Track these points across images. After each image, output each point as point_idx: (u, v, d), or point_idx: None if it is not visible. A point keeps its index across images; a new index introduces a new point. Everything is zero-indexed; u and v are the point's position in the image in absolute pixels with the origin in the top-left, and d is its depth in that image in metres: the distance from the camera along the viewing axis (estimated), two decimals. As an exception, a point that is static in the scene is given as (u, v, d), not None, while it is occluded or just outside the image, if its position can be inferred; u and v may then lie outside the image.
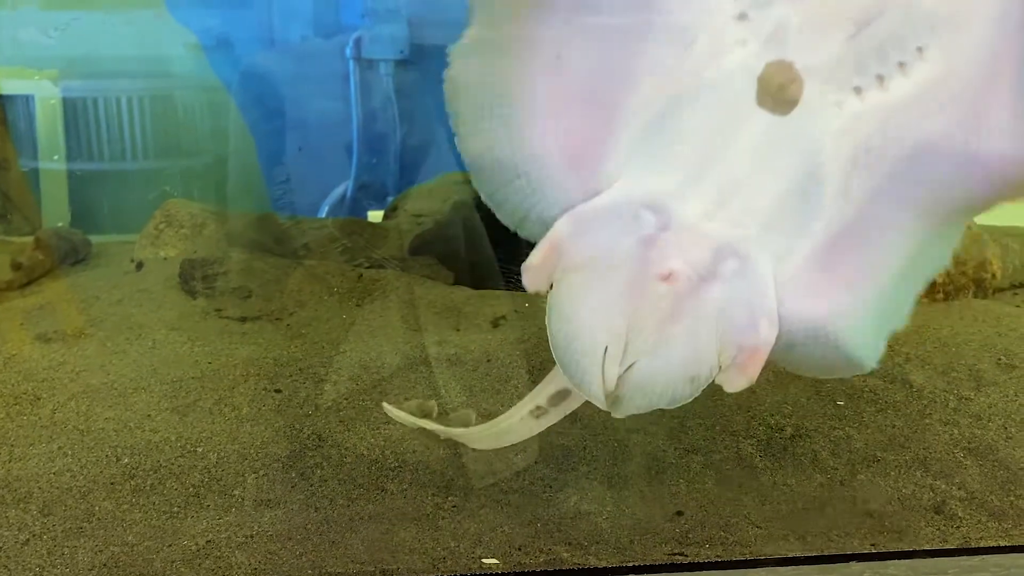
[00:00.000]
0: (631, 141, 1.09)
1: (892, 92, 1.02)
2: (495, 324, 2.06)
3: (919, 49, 1.00)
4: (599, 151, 1.10)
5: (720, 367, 1.13)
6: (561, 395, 1.27)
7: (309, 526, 1.40)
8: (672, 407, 1.16)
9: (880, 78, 1.02)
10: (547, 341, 1.96)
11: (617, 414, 1.18)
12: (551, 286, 1.16)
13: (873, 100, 1.03)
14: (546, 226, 1.13)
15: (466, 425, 1.53)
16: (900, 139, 1.03)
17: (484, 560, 1.34)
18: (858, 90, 1.03)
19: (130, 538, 1.36)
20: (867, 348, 1.12)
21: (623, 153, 1.09)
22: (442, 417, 1.52)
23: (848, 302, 1.10)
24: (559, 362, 1.18)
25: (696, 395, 1.15)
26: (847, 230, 1.07)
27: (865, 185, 1.05)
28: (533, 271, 1.14)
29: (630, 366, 1.14)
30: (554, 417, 1.31)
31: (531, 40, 1.07)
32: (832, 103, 1.03)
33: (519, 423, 1.33)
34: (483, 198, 1.16)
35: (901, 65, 1.01)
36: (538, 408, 1.30)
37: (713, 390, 1.79)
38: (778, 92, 1.03)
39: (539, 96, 1.08)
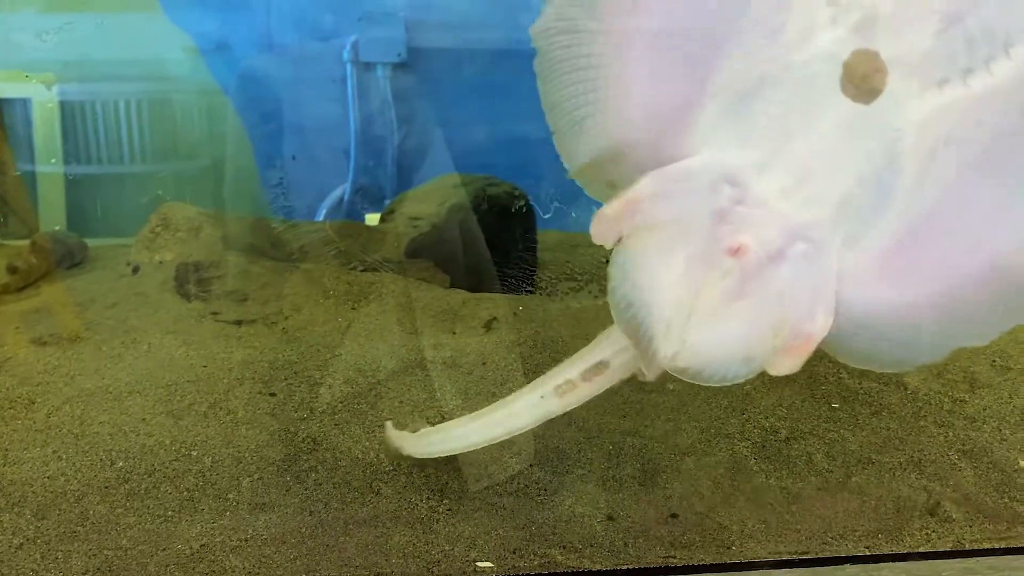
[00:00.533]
0: (717, 114, 1.11)
1: (975, 88, 1.03)
2: (490, 327, 2.06)
3: (1007, 48, 1.01)
4: (686, 121, 1.12)
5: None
6: (599, 367, 1.24)
7: (303, 529, 1.40)
8: (724, 384, 1.15)
9: (965, 74, 1.03)
10: (542, 344, 1.97)
11: (678, 374, 1.16)
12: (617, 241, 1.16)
13: (956, 94, 1.04)
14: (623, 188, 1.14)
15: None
16: (980, 136, 1.04)
17: (479, 564, 1.34)
18: (942, 84, 1.04)
19: (124, 542, 1.36)
20: (924, 348, 1.12)
21: (709, 125, 1.11)
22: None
23: (911, 297, 1.10)
24: (619, 321, 1.16)
25: (751, 376, 1.14)
26: (919, 223, 1.07)
27: (942, 179, 1.06)
28: (606, 222, 1.14)
29: (685, 340, 1.13)
30: (582, 395, 1.26)
31: (624, 14, 1.09)
32: (915, 95, 1.04)
33: (535, 404, 1.28)
34: (568, 163, 1.16)
35: (987, 63, 1.02)
36: (567, 383, 1.26)
37: (707, 393, 1.80)
38: (862, 81, 1.04)
39: (631, 65, 1.10)
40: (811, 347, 1.10)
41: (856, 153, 1.07)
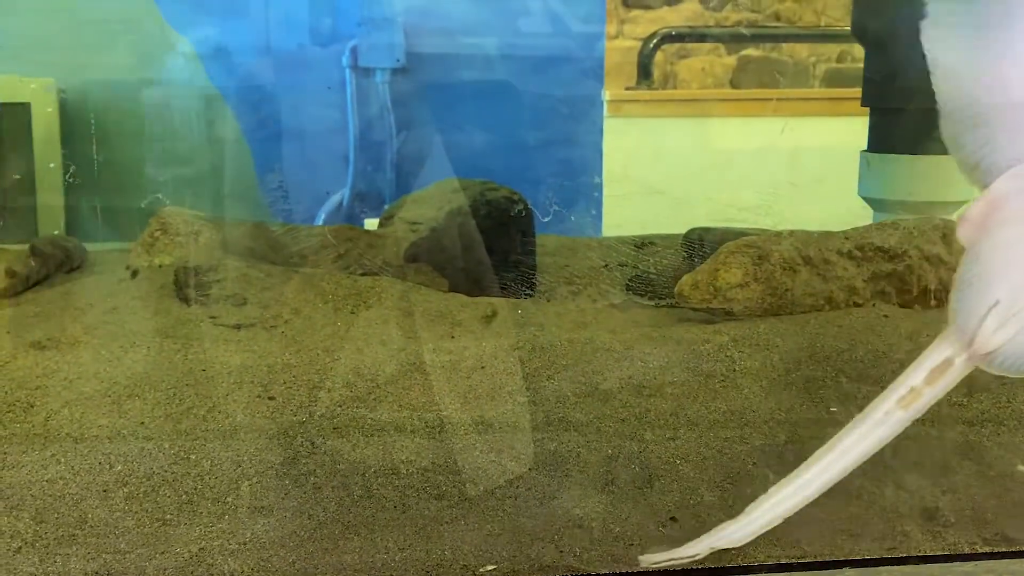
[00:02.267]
0: None
1: None
2: (488, 331, 2.06)
3: None
4: None
5: None
6: (943, 367, 1.20)
7: (302, 533, 1.40)
8: None
9: None
10: (540, 348, 1.97)
11: (991, 370, 1.18)
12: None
13: None
14: (993, 176, 1.15)
15: None
16: None
17: (482, 569, 1.34)
18: None
19: (122, 545, 1.36)
20: None
21: None
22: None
23: None
24: (957, 307, 1.17)
25: None
26: None
27: None
28: (970, 224, 1.16)
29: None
30: (926, 401, 1.21)
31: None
32: None
33: (881, 421, 1.23)
34: (945, 140, 1.18)
35: None
36: (912, 391, 1.21)
37: (705, 396, 1.80)
38: None
39: (1009, 58, 1.13)
40: None
41: None
